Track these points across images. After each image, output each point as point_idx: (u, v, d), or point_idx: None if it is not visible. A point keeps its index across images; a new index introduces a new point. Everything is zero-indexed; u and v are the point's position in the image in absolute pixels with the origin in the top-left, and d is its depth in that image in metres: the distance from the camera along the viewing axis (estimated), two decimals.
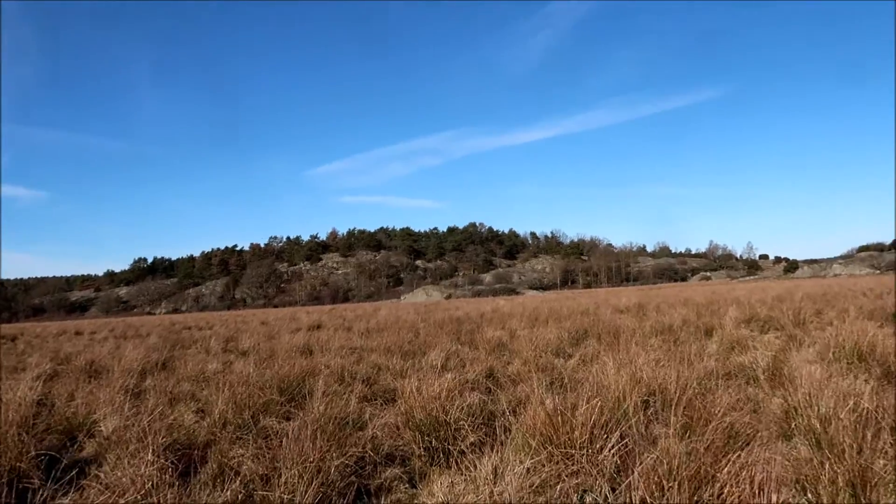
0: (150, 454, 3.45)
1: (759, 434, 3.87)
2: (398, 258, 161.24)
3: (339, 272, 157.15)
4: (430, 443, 4.26)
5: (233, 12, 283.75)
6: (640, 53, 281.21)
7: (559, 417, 3.67)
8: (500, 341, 10.96)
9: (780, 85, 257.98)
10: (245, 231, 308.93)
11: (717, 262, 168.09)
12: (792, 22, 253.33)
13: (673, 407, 4.12)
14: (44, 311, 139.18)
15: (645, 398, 4.89)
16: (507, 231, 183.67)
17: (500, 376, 7.08)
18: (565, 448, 3.50)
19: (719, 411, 3.70)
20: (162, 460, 3.65)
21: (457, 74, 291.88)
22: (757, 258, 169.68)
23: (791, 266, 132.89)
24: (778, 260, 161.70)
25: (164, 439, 4.43)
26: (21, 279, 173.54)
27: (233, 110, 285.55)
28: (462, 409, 4.62)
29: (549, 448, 3.54)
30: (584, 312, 19.13)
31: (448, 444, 4.26)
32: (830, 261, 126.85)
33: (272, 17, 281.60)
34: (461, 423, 4.42)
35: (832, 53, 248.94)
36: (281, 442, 3.90)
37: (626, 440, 3.46)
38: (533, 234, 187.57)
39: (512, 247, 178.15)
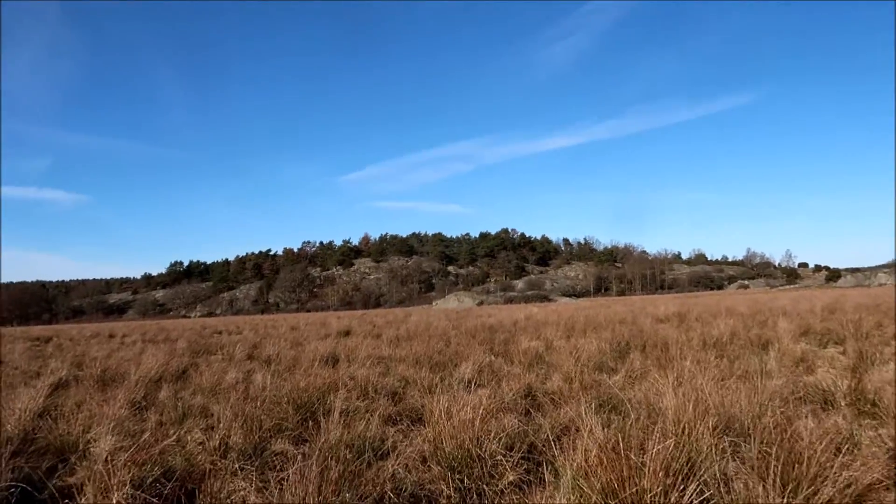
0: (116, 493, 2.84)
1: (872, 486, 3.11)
2: (430, 264, 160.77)
3: (371, 277, 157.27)
4: (462, 481, 3.59)
5: (258, 14, 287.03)
6: (674, 57, 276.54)
7: (622, 460, 2.97)
8: (537, 353, 10.25)
9: (819, 88, 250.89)
10: (278, 236, 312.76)
11: (755, 270, 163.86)
12: (834, 23, 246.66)
13: (755, 441, 3.41)
14: (83, 312, 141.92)
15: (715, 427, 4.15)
16: (539, 237, 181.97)
17: (539, 394, 6.37)
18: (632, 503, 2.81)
19: (823, 457, 2.96)
20: (141, 497, 3.06)
21: (489, 78, 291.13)
22: (796, 266, 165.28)
23: (833, 275, 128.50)
24: (818, 268, 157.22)
25: (155, 469, 3.85)
26: (62, 281, 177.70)
27: (264, 115, 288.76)
28: (499, 438, 3.94)
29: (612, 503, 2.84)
30: (621, 321, 18.27)
31: (483, 483, 3.59)
32: (874, 269, 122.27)
33: (299, 18, 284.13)
34: (498, 456, 3.75)
35: (876, 55, 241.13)
36: (285, 477, 3.28)
37: (709, 493, 2.75)
38: (566, 241, 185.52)
39: (544, 253, 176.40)
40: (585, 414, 4.47)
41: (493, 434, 3.90)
